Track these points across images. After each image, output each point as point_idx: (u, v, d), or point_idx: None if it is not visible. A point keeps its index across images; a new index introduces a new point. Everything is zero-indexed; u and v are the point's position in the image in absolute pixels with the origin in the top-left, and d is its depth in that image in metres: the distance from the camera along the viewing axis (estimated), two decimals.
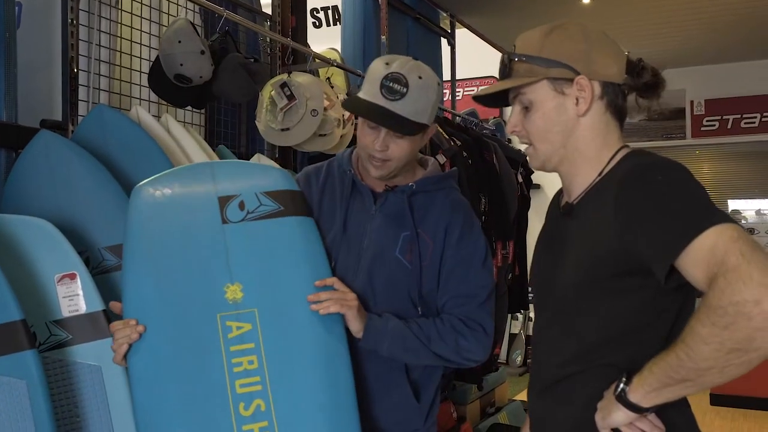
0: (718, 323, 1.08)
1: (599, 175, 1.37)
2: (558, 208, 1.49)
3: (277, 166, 2.31)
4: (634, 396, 1.23)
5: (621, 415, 1.24)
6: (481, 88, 1.52)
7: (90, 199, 2.00)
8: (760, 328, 1.05)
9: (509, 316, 5.91)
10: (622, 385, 1.24)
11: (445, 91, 5.29)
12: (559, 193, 1.53)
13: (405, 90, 1.67)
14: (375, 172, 1.77)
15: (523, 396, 5.68)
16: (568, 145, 1.40)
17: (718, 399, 5.92)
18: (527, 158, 1.46)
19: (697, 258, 1.14)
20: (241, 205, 1.76)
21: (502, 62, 1.42)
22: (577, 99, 1.38)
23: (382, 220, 1.79)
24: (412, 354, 1.72)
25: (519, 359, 6.99)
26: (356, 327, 1.68)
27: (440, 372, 1.88)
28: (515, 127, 1.43)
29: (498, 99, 1.48)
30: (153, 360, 1.66)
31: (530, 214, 4.97)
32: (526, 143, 1.44)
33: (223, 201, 1.76)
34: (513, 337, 6.89)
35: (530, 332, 7.18)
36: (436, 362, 1.76)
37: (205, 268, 1.72)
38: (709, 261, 1.12)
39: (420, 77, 1.69)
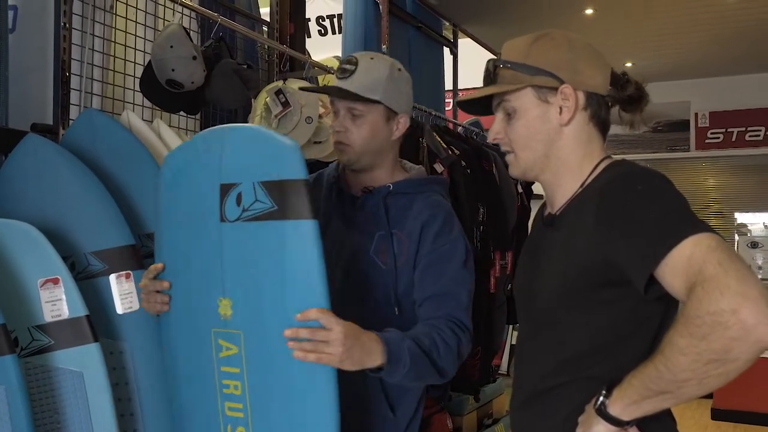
0: (696, 333, 1.06)
1: (581, 186, 1.36)
2: (542, 218, 1.47)
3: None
4: (614, 409, 1.20)
5: (601, 429, 1.22)
6: (464, 95, 1.50)
7: (76, 203, 1.99)
8: (736, 338, 1.03)
9: (509, 327, 5.87)
10: (602, 398, 1.22)
11: (447, 100, 5.28)
12: (544, 206, 1.51)
13: (354, 68, 1.73)
14: (340, 156, 1.80)
15: None
16: (550, 155, 1.38)
17: (720, 414, 5.86)
18: (507, 166, 1.44)
19: (676, 268, 1.12)
20: (239, 199, 1.58)
21: (487, 68, 1.41)
22: (560, 108, 1.36)
23: (359, 222, 1.78)
24: (424, 377, 1.63)
25: None
26: (350, 367, 1.48)
27: (419, 385, 1.81)
28: (498, 134, 1.41)
29: (482, 106, 1.46)
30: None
31: (530, 224, 4.95)
32: (507, 151, 1.42)
33: (224, 190, 1.60)
34: (513, 348, 6.84)
35: None
36: (438, 380, 1.68)
37: (206, 274, 1.64)
38: (687, 271, 1.10)
39: (372, 58, 1.76)
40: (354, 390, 1.71)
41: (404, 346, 1.53)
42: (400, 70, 1.77)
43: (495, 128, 1.42)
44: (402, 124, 1.78)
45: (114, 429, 1.82)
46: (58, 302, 1.83)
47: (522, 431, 1.44)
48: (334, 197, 1.84)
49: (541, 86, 1.36)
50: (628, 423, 1.21)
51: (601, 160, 1.38)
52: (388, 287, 1.73)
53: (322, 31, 7.32)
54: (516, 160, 1.41)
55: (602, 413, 1.22)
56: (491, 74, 1.40)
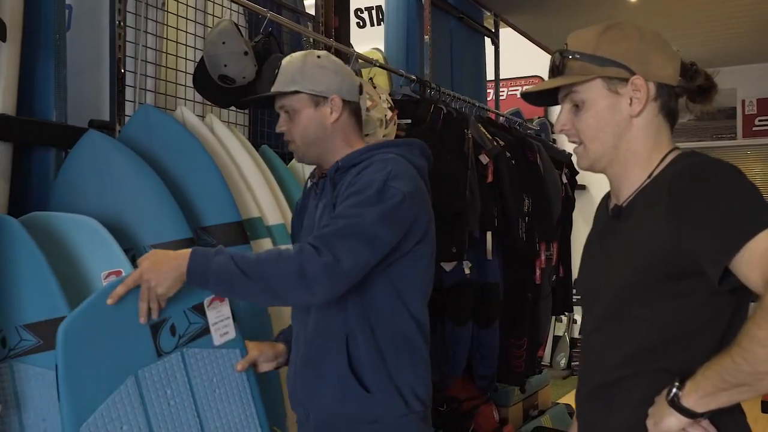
0: None
1: (649, 176, 1.35)
2: (606, 210, 1.46)
3: None
4: (688, 401, 1.20)
5: (674, 421, 1.22)
6: (526, 86, 1.49)
7: (135, 197, 2.03)
8: None
9: (553, 318, 5.84)
10: (675, 390, 1.22)
11: (489, 90, 5.26)
12: (608, 196, 1.50)
13: (277, 71, 1.83)
14: (295, 157, 1.88)
15: (567, 399, 5.61)
16: (619, 146, 1.37)
17: None
18: (575, 158, 1.44)
19: (753, 260, 1.11)
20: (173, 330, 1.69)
21: (554, 59, 1.40)
22: (631, 99, 1.36)
23: (319, 206, 1.80)
24: (242, 293, 1.61)
25: (563, 362, 6.91)
26: (172, 288, 1.60)
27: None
28: (564, 126, 1.41)
29: (546, 97, 1.46)
30: None
31: (575, 215, 4.91)
32: (574, 142, 1.42)
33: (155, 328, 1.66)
34: (557, 339, 6.81)
35: (575, 335, 7.10)
36: (269, 299, 1.68)
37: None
38: (765, 263, 1.09)
39: (291, 56, 1.84)
40: (322, 370, 1.72)
41: (211, 262, 1.56)
42: (319, 57, 1.83)
43: (562, 119, 1.41)
44: (336, 104, 1.80)
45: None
46: None
47: (589, 423, 1.43)
48: (311, 193, 1.90)
49: (612, 77, 1.35)
50: (702, 415, 1.20)
51: (670, 151, 1.37)
52: None
53: (361, 24, 7.32)
54: (585, 151, 1.40)
55: (675, 405, 1.21)
56: (559, 65, 1.40)
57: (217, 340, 1.74)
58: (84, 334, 1.56)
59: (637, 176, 1.37)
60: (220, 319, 1.73)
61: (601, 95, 1.36)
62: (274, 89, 1.82)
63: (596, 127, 1.37)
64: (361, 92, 1.88)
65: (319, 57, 1.82)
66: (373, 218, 1.61)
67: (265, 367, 1.85)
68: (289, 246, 1.84)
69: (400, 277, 1.73)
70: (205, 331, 1.72)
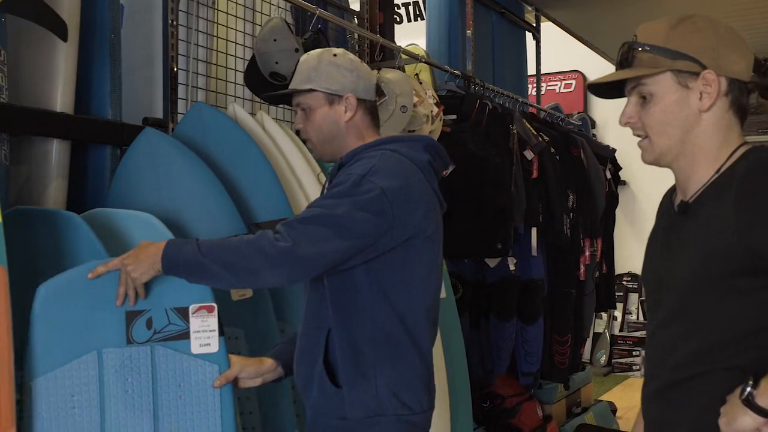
0: None
1: (717, 172, 1.33)
2: (671, 206, 1.44)
3: None
4: (763, 399, 1.18)
5: (748, 420, 1.20)
6: (592, 78, 1.48)
7: (191, 194, 2.06)
8: None
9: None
10: (749, 389, 1.20)
11: (530, 85, 5.22)
12: (671, 191, 1.48)
13: (295, 69, 1.84)
14: (312, 154, 1.86)
15: (608, 396, 5.56)
16: (686, 141, 1.35)
17: None
18: (641, 152, 1.42)
19: None
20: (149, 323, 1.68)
21: (623, 51, 1.39)
22: (701, 94, 1.33)
23: None
24: (209, 278, 1.62)
25: (603, 359, 6.85)
26: (146, 274, 1.62)
27: (378, 360, 1.68)
28: (630, 119, 1.39)
29: (612, 89, 1.44)
30: None
31: (617, 211, 4.86)
32: (640, 135, 1.40)
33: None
34: (597, 336, 6.75)
35: (615, 331, 7.03)
36: (235, 278, 1.63)
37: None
38: None
39: (308, 55, 1.84)
40: (310, 363, 1.71)
41: (181, 250, 1.60)
42: (335, 55, 1.81)
43: (628, 112, 1.39)
44: (351, 102, 1.79)
45: (232, 413, 1.87)
46: None
47: (656, 422, 1.42)
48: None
49: (682, 71, 1.33)
50: None
51: (739, 146, 1.34)
52: None
53: (398, 20, 7.32)
54: (650, 145, 1.39)
55: (749, 404, 1.19)
56: (628, 57, 1.38)
57: (196, 348, 1.69)
58: (62, 297, 1.62)
59: (704, 171, 1.35)
60: (203, 329, 1.69)
61: (670, 89, 1.34)
62: (291, 86, 1.83)
63: (664, 121, 1.36)
64: (378, 92, 1.87)
65: (335, 55, 1.81)
66: (343, 209, 1.59)
67: (247, 383, 1.78)
68: None
69: (386, 275, 1.68)
70: (185, 335, 1.68)
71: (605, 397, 5.38)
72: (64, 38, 1.98)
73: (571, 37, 5.81)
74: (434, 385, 1.81)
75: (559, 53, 6.46)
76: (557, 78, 7.44)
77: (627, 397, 5.91)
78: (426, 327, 1.76)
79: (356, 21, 3.37)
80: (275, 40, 2.40)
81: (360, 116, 1.81)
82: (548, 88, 7.35)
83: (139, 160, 2.09)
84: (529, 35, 5.18)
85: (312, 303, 1.74)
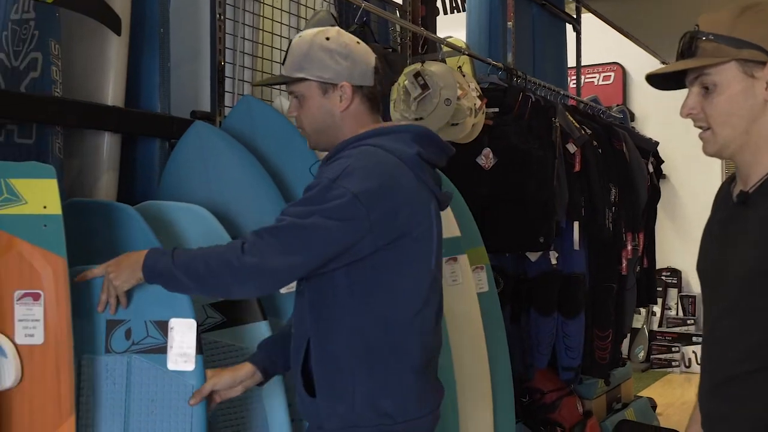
0: None
1: None
2: (729, 197, 1.42)
3: None
4: None
5: None
6: (651, 70, 1.45)
7: (240, 187, 2.08)
8: None
9: None
10: None
11: (571, 78, 5.17)
12: (729, 182, 1.46)
13: (287, 51, 1.72)
14: (308, 143, 1.77)
15: (647, 392, 5.51)
16: (751, 131, 1.33)
17: None
18: (702, 143, 1.39)
19: None
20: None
21: (685, 41, 1.36)
22: (767, 83, 1.31)
23: None
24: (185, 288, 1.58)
25: (641, 355, 6.78)
26: (127, 282, 1.60)
27: (355, 372, 1.60)
28: (692, 110, 1.37)
29: (670, 80, 1.42)
30: None
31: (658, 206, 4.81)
32: (701, 127, 1.37)
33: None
34: (635, 331, 6.67)
35: (654, 327, 6.95)
36: (207, 290, 1.61)
37: None
38: None
39: (300, 36, 1.72)
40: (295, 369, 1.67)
41: (160, 260, 1.56)
42: (328, 38, 1.67)
43: (690, 103, 1.37)
44: (346, 92, 1.66)
45: (283, 402, 1.89)
46: None
47: (714, 418, 1.39)
48: None
49: (748, 60, 1.31)
50: None
51: None
52: None
53: (437, 11, 7.29)
54: (713, 136, 1.36)
55: None
56: (690, 47, 1.35)
57: (172, 364, 1.64)
58: None
59: (767, 162, 1.32)
60: (180, 346, 1.63)
61: (735, 78, 1.32)
62: (283, 72, 1.71)
63: (728, 111, 1.33)
64: (377, 72, 1.71)
65: (327, 39, 1.66)
66: (312, 219, 1.51)
67: (228, 394, 1.71)
68: None
69: (369, 278, 1.59)
70: (162, 349, 1.63)
71: (644, 393, 5.33)
72: (119, 32, 2.00)
73: (610, 29, 5.74)
74: (434, 389, 1.71)
75: (597, 45, 6.37)
76: (595, 70, 7.36)
77: (667, 393, 5.85)
78: (417, 329, 1.64)
79: (398, 14, 3.36)
80: None
81: (357, 104, 1.68)
82: (586, 80, 7.27)
83: (189, 153, 2.11)
84: (569, 27, 5.12)
85: (297, 307, 1.68)
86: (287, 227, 1.53)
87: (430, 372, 1.71)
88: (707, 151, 1.39)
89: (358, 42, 1.72)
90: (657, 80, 1.43)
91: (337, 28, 1.76)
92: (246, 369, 1.72)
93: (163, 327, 1.64)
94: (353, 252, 1.55)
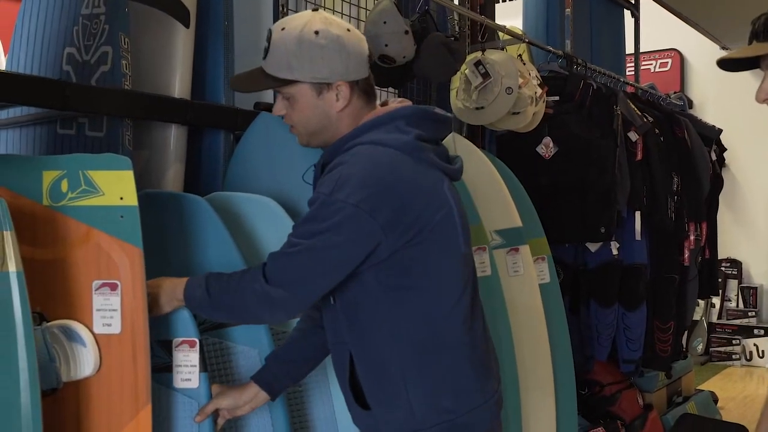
0: None
1: None
2: None
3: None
4: None
5: None
6: (725, 54, 1.42)
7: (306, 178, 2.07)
8: None
9: None
10: None
11: (629, 65, 5.06)
12: None
13: (267, 45, 1.56)
14: (298, 140, 1.66)
15: (707, 386, 5.39)
16: None
17: None
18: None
19: None
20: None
21: (760, 23, 1.32)
22: None
23: None
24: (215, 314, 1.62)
25: (700, 347, 6.63)
26: (166, 307, 1.60)
27: (408, 386, 1.55)
28: None
29: (742, 63, 1.38)
30: None
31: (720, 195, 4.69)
32: None
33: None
34: (694, 324, 6.52)
35: (713, 319, 6.80)
36: (237, 319, 1.65)
37: None
38: None
39: (283, 29, 1.54)
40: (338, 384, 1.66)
41: (196, 293, 1.56)
42: (317, 32, 1.51)
43: (766, 88, 1.33)
44: (343, 92, 1.55)
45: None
46: None
47: None
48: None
49: None
50: None
51: None
52: None
53: None
54: None
55: None
56: (765, 30, 1.31)
57: (177, 383, 1.64)
58: None
59: None
60: (185, 363, 1.64)
61: None
62: (267, 69, 1.56)
63: None
64: (371, 59, 1.61)
65: (317, 33, 1.51)
66: (320, 240, 1.46)
67: (232, 413, 1.68)
68: None
69: (399, 280, 1.52)
70: (167, 368, 1.63)
71: (704, 387, 5.22)
72: (187, 24, 2.02)
73: (666, 15, 5.61)
74: (491, 370, 1.65)
75: (654, 31, 6.23)
76: (652, 57, 7.20)
77: (727, 387, 5.72)
78: (460, 316, 1.58)
79: (457, 1, 3.32)
80: (385, 22, 2.39)
81: (354, 101, 1.57)
82: (643, 67, 7.11)
83: (255, 144, 2.12)
84: (627, 13, 5.01)
85: (329, 319, 1.63)
86: (300, 254, 1.49)
87: (483, 354, 1.64)
88: None
89: (348, 29, 1.57)
90: (728, 63, 1.39)
91: (322, 14, 1.58)
92: (250, 390, 1.69)
93: (167, 346, 1.64)
94: (373, 258, 1.49)
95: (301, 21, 1.54)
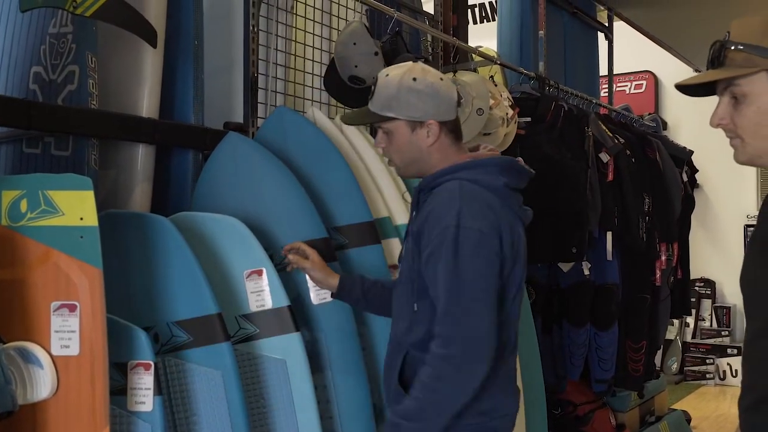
0: None
1: None
2: None
3: None
4: None
5: None
6: (680, 79, 1.44)
7: (274, 198, 2.07)
8: None
9: None
10: None
11: (604, 86, 5.13)
12: None
13: (374, 88, 1.83)
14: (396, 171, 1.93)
15: (681, 405, 5.41)
16: None
17: None
18: (733, 151, 1.36)
19: None
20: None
21: (714, 49, 1.34)
22: None
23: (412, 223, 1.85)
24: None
25: (675, 366, 6.67)
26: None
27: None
28: (722, 120, 1.34)
29: (699, 88, 1.40)
30: None
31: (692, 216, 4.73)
32: (731, 137, 1.35)
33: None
34: (668, 343, 6.57)
35: (687, 338, 6.84)
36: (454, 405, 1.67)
37: None
38: None
39: (387, 75, 1.82)
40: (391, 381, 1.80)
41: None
42: (414, 79, 1.78)
43: (720, 113, 1.35)
44: (433, 129, 1.79)
45: (315, 414, 1.89)
46: (262, 293, 1.92)
47: None
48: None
49: None
50: None
51: None
52: (411, 283, 1.78)
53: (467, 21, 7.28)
54: (743, 146, 1.34)
55: None
56: (719, 56, 1.33)
57: (132, 406, 1.63)
58: None
59: None
60: (140, 386, 1.63)
61: (765, 89, 1.29)
62: (371, 108, 1.83)
63: (758, 122, 1.30)
64: (459, 103, 1.87)
65: (414, 80, 1.78)
66: (468, 272, 1.66)
67: (301, 263, 1.94)
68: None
69: None
70: (122, 391, 1.62)
71: (678, 406, 5.24)
72: (154, 45, 2.02)
73: (641, 37, 5.69)
74: (516, 388, 1.85)
75: (629, 54, 6.31)
76: (627, 79, 7.28)
77: (701, 406, 5.75)
78: (515, 327, 1.83)
79: (429, 23, 3.35)
80: (355, 43, 2.40)
81: (442, 138, 1.82)
82: (618, 89, 7.19)
83: (223, 164, 2.11)
84: (601, 35, 5.08)
85: (403, 322, 1.80)
86: (459, 297, 1.65)
87: (514, 370, 1.85)
88: (738, 160, 1.37)
89: (441, 78, 1.84)
90: (687, 88, 1.41)
91: (421, 65, 1.87)
92: (335, 280, 1.95)
93: (122, 368, 1.62)
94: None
95: (402, 69, 1.82)
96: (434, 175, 1.80)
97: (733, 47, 1.32)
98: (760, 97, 1.30)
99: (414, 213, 1.85)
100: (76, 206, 1.51)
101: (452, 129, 1.84)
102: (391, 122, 1.80)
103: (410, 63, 1.87)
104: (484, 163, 1.81)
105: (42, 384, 1.47)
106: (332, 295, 1.98)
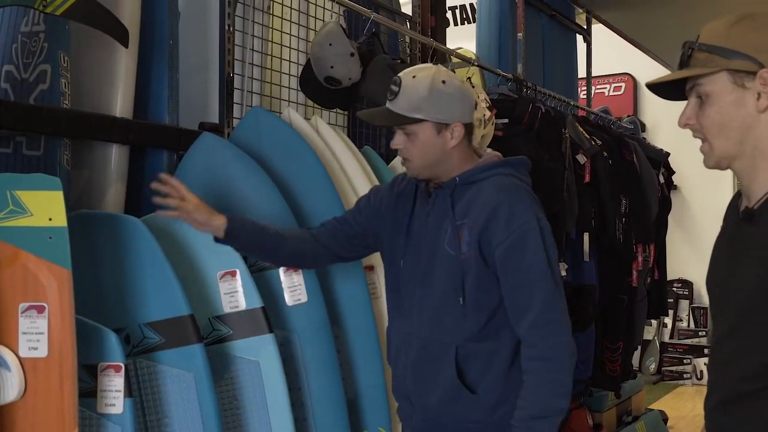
0: None
1: None
2: (736, 211, 1.40)
3: None
4: None
5: None
6: (651, 79, 1.45)
7: (248, 198, 2.07)
8: None
9: None
10: None
11: (581, 89, 5.15)
12: (738, 196, 1.44)
13: (398, 89, 1.81)
14: (407, 172, 1.90)
15: (658, 405, 5.45)
16: (745, 143, 1.31)
17: None
18: (703, 157, 1.38)
19: None
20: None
21: (683, 51, 1.35)
22: (759, 94, 1.29)
23: (433, 218, 1.87)
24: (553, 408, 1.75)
25: (653, 367, 6.72)
26: None
27: (503, 366, 1.82)
28: (689, 120, 1.36)
29: (674, 90, 1.41)
30: None
31: (669, 217, 4.77)
32: (699, 138, 1.36)
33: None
34: (646, 343, 6.62)
35: (665, 339, 6.90)
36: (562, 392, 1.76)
37: None
38: None
39: (414, 77, 1.82)
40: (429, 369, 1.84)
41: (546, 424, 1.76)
42: (444, 82, 1.81)
43: (687, 113, 1.36)
44: (457, 132, 1.82)
45: (289, 416, 1.89)
46: (235, 294, 1.91)
47: None
48: (412, 196, 1.94)
49: (738, 70, 1.29)
50: None
51: None
52: (455, 277, 1.81)
53: (447, 23, 7.29)
54: (710, 149, 1.35)
55: None
56: (685, 57, 1.34)
57: (102, 408, 1.62)
58: None
59: (767, 176, 1.30)
60: (109, 388, 1.62)
61: (726, 89, 1.30)
62: (398, 110, 1.81)
63: (720, 122, 1.31)
64: (475, 107, 1.92)
65: (444, 82, 1.81)
66: (543, 263, 1.75)
67: (183, 212, 1.79)
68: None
69: None
70: (92, 393, 1.62)
71: (655, 406, 5.28)
72: (125, 44, 2.01)
73: (620, 40, 5.72)
74: None
75: (608, 56, 6.35)
76: (606, 81, 7.33)
77: (678, 406, 5.80)
78: None
79: (408, 25, 3.35)
80: (331, 44, 2.40)
81: (463, 140, 1.85)
82: (597, 91, 7.24)
83: (197, 164, 2.11)
84: (579, 38, 5.11)
85: (443, 316, 1.83)
86: (546, 296, 1.74)
87: None
88: (707, 164, 1.37)
89: (462, 81, 1.91)
90: (661, 90, 1.42)
91: (443, 67, 1.89)
92: (219, 222, 1.81)
93: (92, 370, 1.61)
94: None
95: (430, 71, 1.83)
96: (473, 170, 1.84)
97: (697, 48, 1.33)
98: (720, 96, 1.31)
99: (434, 204, 1.86)
100: (45, 207, 1.50)
101: (469, 131, 1.89)
102: (417, 124, 1.81)
103: (432, 65, 1.90)
104: (514, 163, 1.90)
105: (9, 386, 1.45)
106: (217, 239, 1.84)
